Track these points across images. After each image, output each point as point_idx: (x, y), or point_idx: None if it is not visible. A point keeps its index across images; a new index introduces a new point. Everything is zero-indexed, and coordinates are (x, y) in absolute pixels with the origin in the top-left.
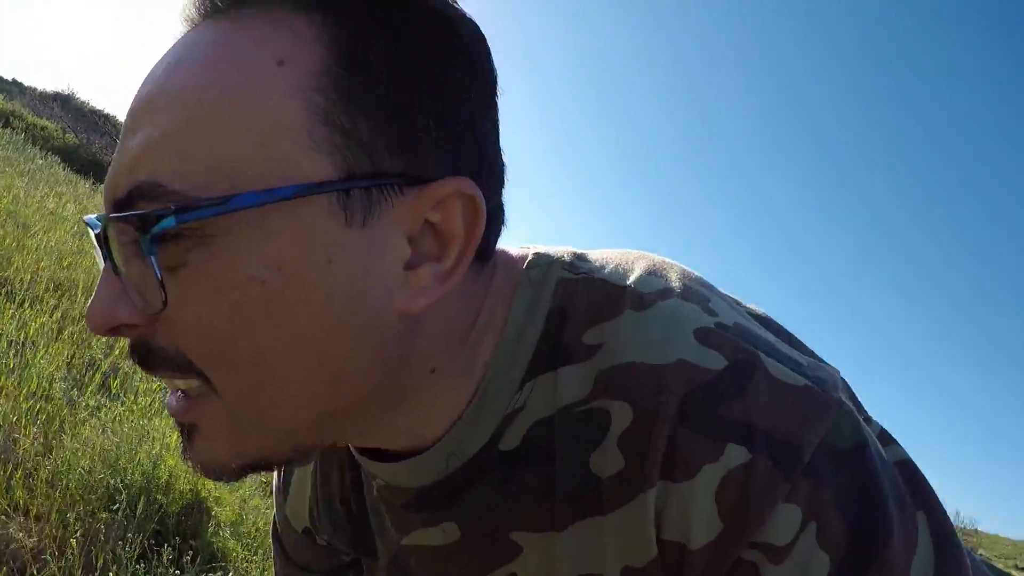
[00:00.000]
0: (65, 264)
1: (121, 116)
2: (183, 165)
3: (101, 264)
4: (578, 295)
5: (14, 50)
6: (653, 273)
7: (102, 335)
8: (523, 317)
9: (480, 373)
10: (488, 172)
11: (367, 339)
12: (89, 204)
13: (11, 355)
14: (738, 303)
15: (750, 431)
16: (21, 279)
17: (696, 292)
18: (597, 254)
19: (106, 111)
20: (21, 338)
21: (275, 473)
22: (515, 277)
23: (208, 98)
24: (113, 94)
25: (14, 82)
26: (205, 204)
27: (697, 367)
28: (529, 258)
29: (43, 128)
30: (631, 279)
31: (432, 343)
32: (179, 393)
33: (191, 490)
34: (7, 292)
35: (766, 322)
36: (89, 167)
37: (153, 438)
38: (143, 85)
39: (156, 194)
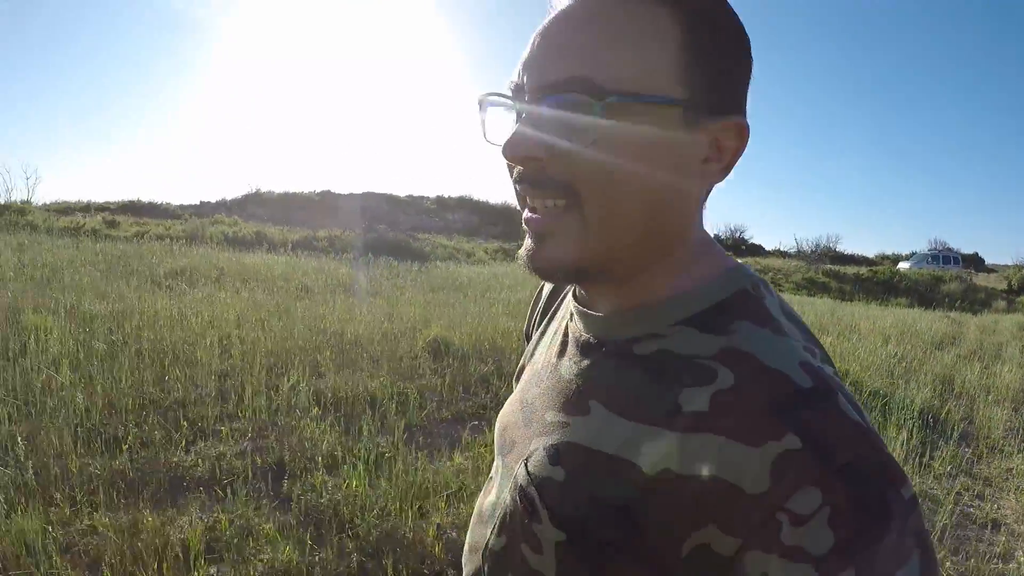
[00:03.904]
0: None
1: None
2: (607, 69)
3: (489, 121)
4: (747, 304)
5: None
6: (795, 322)
7: (515, 161)
8: (711, 291)
9: (665, 295)
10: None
11: (676, 193)
12: None
13: None
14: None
15: (808, 431)
16: None
17: (810, 347)
18: (779, 299)
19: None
20: None
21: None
22: (725, 264)
23: (624, 33)
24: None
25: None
26: (628, 97)
27: (793, 381)
28: (740, 263)
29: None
30: (780, 317)
31: (684, 233)
32: (540, 211)
33: None
34: None
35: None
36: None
37: None
38: (554, 21)
39: (586, 86)
